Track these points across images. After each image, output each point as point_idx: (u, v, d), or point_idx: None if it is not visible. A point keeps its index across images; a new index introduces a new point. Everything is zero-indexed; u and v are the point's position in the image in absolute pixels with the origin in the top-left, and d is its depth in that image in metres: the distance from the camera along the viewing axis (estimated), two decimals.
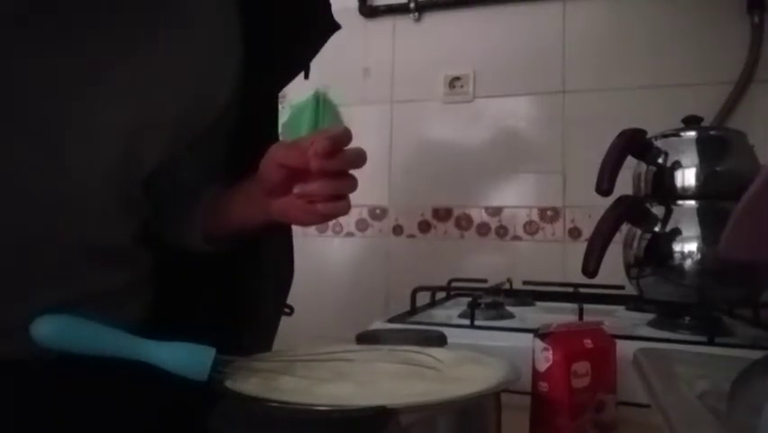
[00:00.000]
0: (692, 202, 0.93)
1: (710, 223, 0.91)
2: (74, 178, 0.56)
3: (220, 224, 0.69)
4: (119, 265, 0.64)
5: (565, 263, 1.41)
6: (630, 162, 0.97)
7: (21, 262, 0.55)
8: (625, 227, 0.97)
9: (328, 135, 0.56)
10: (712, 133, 1.04)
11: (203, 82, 0.64)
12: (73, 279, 0.59)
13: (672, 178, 0.94)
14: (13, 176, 0.53)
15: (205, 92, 0.65)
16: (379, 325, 0.88)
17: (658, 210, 0.94)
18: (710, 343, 0.79)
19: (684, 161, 0.94)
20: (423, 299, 1.08)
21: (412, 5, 1.57)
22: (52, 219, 0.56)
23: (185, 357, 0.47)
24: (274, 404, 0.42)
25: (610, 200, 0.91)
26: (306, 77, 0.79)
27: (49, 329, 0.46)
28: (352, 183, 0.59)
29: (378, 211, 1.57)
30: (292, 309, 0.96)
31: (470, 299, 0.96)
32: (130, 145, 0.58)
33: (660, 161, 0.96)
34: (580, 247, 1.10)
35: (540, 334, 0.59)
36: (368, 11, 1.61)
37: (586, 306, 0.90)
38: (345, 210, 0.60)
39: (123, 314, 0.61)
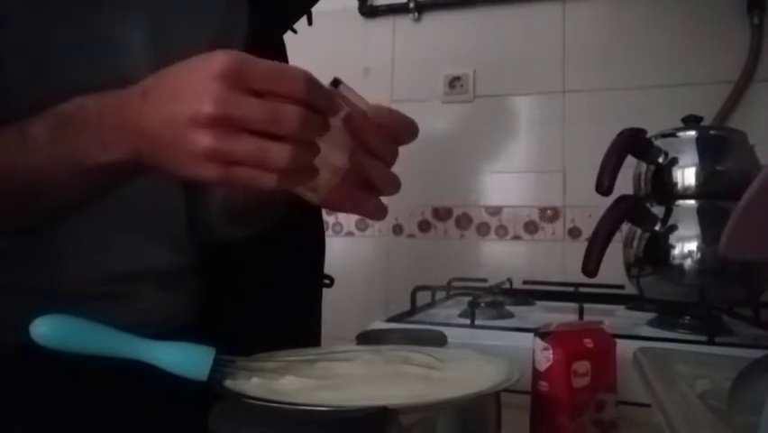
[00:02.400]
0: (692, 202, 0.93)
1: (710, 222, 0.91)
2: None
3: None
4: (173, 248, 0.70)
5: (565, 263, 1.41)
6: (630, 162, 0.97)
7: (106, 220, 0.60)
8: (625, 227, 0.97)
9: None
10: (712, 132, 1.04)
11: (218, 27, 0.69)
12: (134, 252, 0.65)
13: (672, 177, 0.94)
14: None
15: (222, 36, 0.69)
16: (379, 325, 0.88)
17: (658, 210, 0.94)
18: (710, 342, 0.79)
19: (684, 161, 0.94)
20: (423, 298, 1.08)
21: (412, 5, 1.57)
22: None
23: (185, 357, 0.47)
24: (274, 404, 0.42)
25: (610, 200, 0.91)
26: (310, 22, 0.81)
27: (48, 329, 0.46)
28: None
29: None
30: (332, 280, 0.97)
31: (470, 298, 0.96)
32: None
33: (660, 160, 0.95)
34: (580, 247, 1.10)
35: (540, 333, 0.58)
36: (368, 11, 1.61)
37: (586, 305, 0.90)
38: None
39: (176, 296, 0.70)
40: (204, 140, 0.42)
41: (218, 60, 0.43)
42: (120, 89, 0.48)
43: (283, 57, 0.86)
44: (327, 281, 0.93)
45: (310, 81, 0.44)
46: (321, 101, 0.45)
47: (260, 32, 0.76)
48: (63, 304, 0.47)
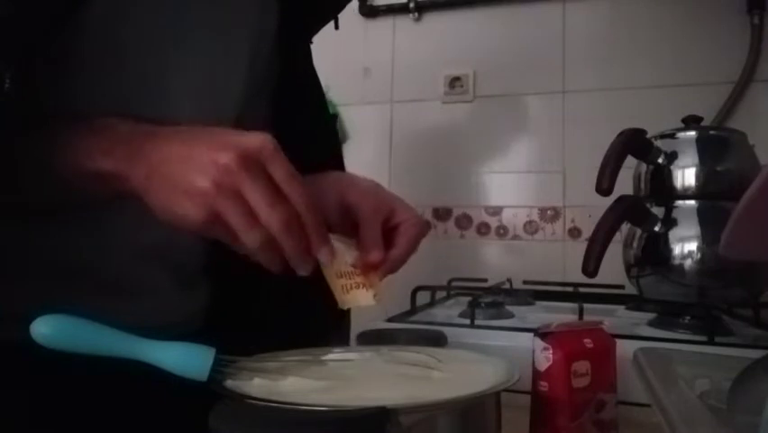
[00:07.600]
0: (692, 202, 0.93)
1: (710, 223, 0.91)
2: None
3: None
4: (193, 238, 0.68)
5: (565, 263, 1.41)
6: (630, 162, 0.97)
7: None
8: (625, 227, 0.97)
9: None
10: (712, 132, 1.04)
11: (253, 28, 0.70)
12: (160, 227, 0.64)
13: (672, 178, 0.95)
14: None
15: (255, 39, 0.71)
16: (379, 325, 0.88)
17: (658, 210, 0.95)
18: (710, 342, 0.79)
19: (684, 161, 0.94)
20: (423, 298, 1.08)
21: (412, 5, 1.57)
22: None
23: (185, 357, 0.47)
24: (274, 404, 0.42)
25: (610, 200, 0.91)
26: (336, 27, 0.82)
27: (48, 329, 0.46)
28: None
29: None
30: None
31: (470, 298, 0.96)
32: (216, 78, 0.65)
33: (660, 160, 0.96)
34: (580, 247, 1.10)
35: (540, 333, 0.58)
36: (368, 11, 1.61)
37: (586, 305, 0.90)
38: None
39: (185, 298, 0.69)
40: (206, 180, 0.46)
41: (258, 136, 0.48)
42: (152, 126, 0.51)
43: (309, 65, 0.87)
44: None
45: (310, 204, 0.49)
46: (310, 225, 0.49)
47: (289, 37, 0.77)
48: (77, 298, 0.47)
